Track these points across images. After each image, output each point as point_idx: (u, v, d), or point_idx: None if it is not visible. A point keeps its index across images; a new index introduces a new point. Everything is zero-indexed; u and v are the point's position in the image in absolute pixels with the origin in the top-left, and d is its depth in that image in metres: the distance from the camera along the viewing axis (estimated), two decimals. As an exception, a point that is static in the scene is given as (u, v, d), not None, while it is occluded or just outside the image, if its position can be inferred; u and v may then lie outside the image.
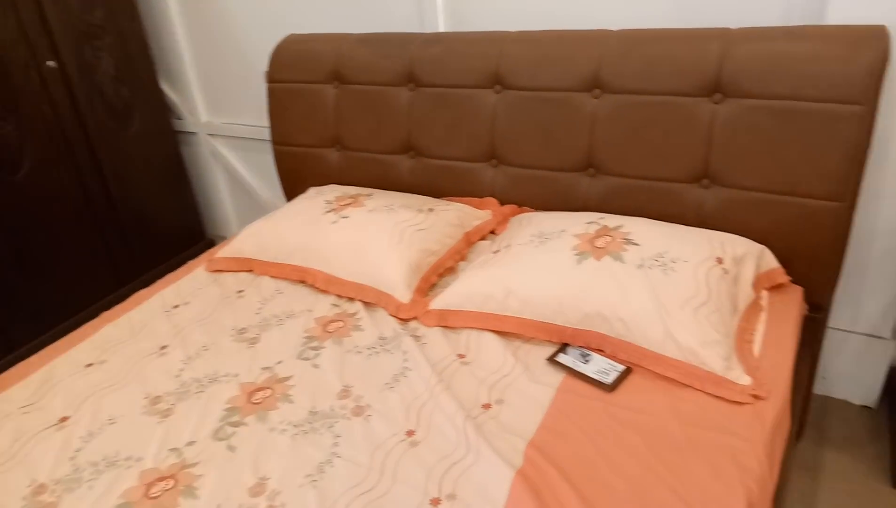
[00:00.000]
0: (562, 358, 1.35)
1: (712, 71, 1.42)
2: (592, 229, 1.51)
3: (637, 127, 1.55)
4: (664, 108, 1.50)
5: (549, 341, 1.41)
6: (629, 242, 1.44)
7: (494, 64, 1.72)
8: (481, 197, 1.89)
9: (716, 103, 1.45)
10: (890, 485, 1.63)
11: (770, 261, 1.48)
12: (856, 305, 1.75)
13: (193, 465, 1.21)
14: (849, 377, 1.85)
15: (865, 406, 1.88)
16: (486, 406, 1.26)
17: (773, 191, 1.43)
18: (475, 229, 1.81)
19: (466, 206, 1.86)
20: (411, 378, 1.35)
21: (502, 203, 1.86)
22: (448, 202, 1.86)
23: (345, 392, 1.34)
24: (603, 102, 1.58)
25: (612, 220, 1.54)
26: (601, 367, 1.31)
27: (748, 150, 1.43)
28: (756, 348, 1.32)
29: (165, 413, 1.35)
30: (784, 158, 1.39)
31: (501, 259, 1.52)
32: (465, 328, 1.48)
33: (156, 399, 1.39)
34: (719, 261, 1.39)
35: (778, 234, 1.46)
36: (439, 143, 1.88)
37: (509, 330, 1.44)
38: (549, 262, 1.44)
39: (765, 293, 1.47)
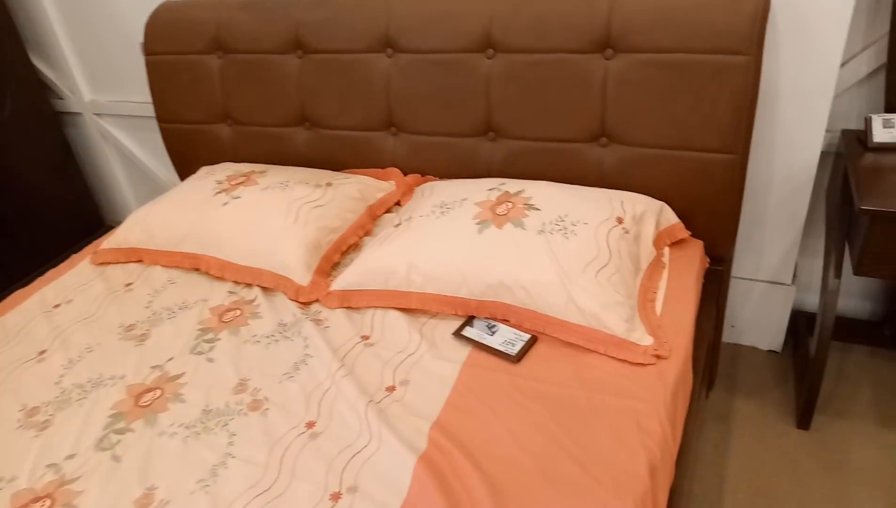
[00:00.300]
0: (468, 332, 1.32)
1: (602, 26, 1.39)
2: (494, 195, 1.47)
3: (533, 87, 1.51)
4: (558, 66, 1.46)
5: (455, 314, 1.37)
6: (530, 207, 1.41)
7: (384, 26, 1.63)
8: (384, 168, 1.82)
9: (608, 59, 1.42)
10: (795, 426, 1.71)
11: (670, 217, 1.49)
12: (757, 254, 1.79)
13: (73, 480, 1.11)
14: (755, 324, 1.92)
15: (772, 351, 1.95)
16: (391, 389, 1.22)
17: (668, 146, 1.43)
18: (379, 201, 1.75)
19: (368, 178, 1.79)
20: (312, 366, 1.29)
21: (405, 173, 1.80)
22: (349, 175, 1.79)
23: (241, 386, 1.27)
24: (497, 62, 1.53)
25: (513, 185, 1.50)
26: (507, 338, 1.29)
27: (642, 106, 1.41)
28: (658, 306, 1.33)
29: (43, 426, 1.24)
30: (676, 113, 1.39)
31: (402, 233, 1.46)
32: (370, 307, 1.43)
33: (32, 411, 1.28)
34: (619, 221, 1.39)
35: (676, 189, 1.47)
36: (334, 112, 1.79)
37: (414, 307, 1.39)
38: (451, 233, 1.40)
39: (666, 250, 1.48)
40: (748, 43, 1.27)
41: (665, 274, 1.42)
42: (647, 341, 1.21)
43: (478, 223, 1.39)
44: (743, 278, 1.86)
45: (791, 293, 1.83)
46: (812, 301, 1.95)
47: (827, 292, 1.55)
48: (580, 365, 1.21)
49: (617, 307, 1.23)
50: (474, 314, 1.35)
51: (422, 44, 1.60)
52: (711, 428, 1.74)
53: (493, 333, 1.31)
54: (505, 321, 1.33)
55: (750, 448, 1.67)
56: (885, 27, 1.51)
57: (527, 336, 1.29)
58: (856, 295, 1.91)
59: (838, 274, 1.55)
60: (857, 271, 1.41)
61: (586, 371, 1.20)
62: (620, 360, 1.20)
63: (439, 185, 1.63)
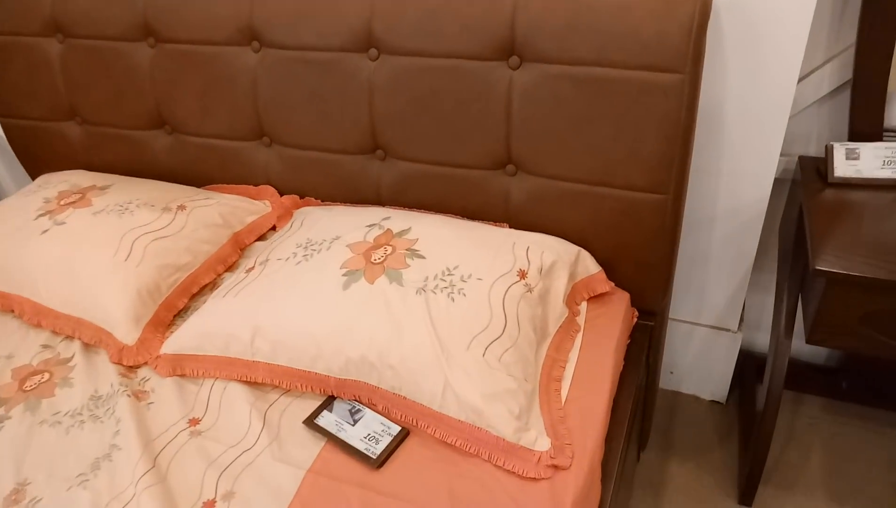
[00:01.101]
0: (323, 419, 1.05)
1: (505, 27, 1.11)
2: (372, 234, 1.20)
3: (425, 99, 1.22)
4: (454, 74, 1.18)
5: (312, 391, 1.10)
6: (413, 253, 1.14)
7: (247, 13, 1.32)
8: (256, 185, 1.52)
9: (513, 69, 1.14)
10: (736, 500, 1.50)
11: (589, 266, 1.23)
12: (699, 295, 1.56)
13: None
14: (697, 371, 1.70)
15: (715, 402, 1.74)
16: (209, 505, 0.95)
17: (586, 180, 1.17)
18: (248, 227, 1.45)
19: (237, 197, 1.49)
20: (117, 464, 1.01)
21: (283, 192, 1.51)
22: (211, 194, 1.48)
23: (16, 493, 0.99)
24: (382, 66, 1.24)
25: (398, 221, 1.23)
26: (372, 430, 1.03)
27: (554, 129, 1.14)
28: (566, 386, 1.08)
29: None
30: (595, 141, 1.12)
31: (251, 284, 1.18)
32: (208, 377, 1.15)
33: None
34: (522, 275, 1.13)
35: (597, 231, 1.21)
36: (195, 115, 1.48)
37: (261, 380, 1.12)
38: (310, 287, 1.12)
39: (584, 306, 1.23)
40: (682, 58, 1.00)
41: (579, 339, 1.17)
42: (542, 444, 0.96)
43: (345, 275, 1.11)
44: (683, 321, 1.63)
45: (737, 341, 1.61)
46: (762, 342, 1.74)
47: (776, 355, 1.33)
48: (455, 476, 0.95)
49: (507, 398, 0.98)
50: (335, 395, 1.09)
51: (292, 38, 1.30)
52: (640, 496, 1.52)
53: (356, 421, 1.04)
54: (372, 406, 1.07)
55: (684, 526, 1.45)
56: (851, 37, 1.27)
57: (396, 429, 1.02)
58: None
59: (789, 333, 1.32)
60: (810, 339, 1.19)
61: (461, 487, 0.94)
62: (507, 471, 0.95)
63: (315, 213, 1.34)
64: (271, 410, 1.09)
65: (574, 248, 1.22)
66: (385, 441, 1.01)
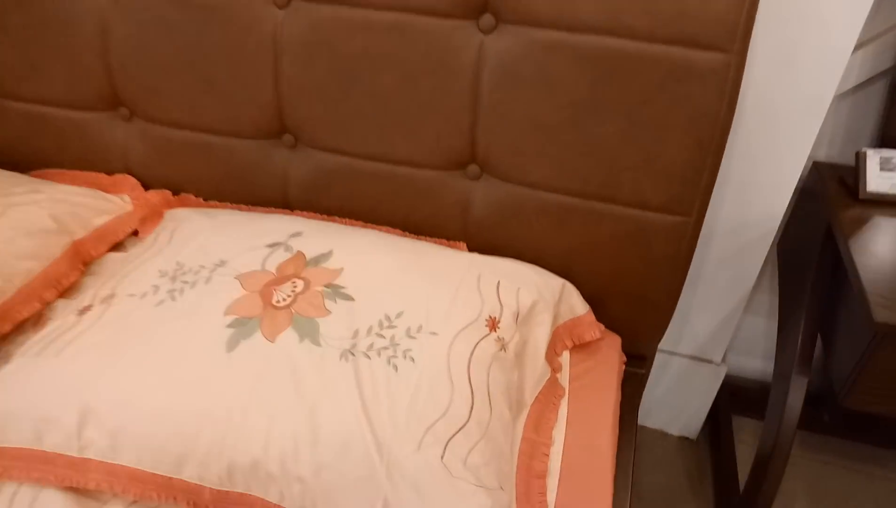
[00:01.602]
0: None
1: (478, -33, 0.77)
2: (275, 261, 0.84)
3: (356, 67, 0.86)
4: (400, 34, 0.82)
5: (176, 504, 0.74)
6: (337, 291, 0.79)
7: (87, -78, 0.91)
8: (111, 173, 1.11)
9: (485, 32, 0.80)
10: (714, 566, 1.28)
11: (574, 305, 0.93)
12: (682, 321, 1.31)
13: None
14: (668, 405, 1.45)
15: (685, 437, 1.51)
16: None
17: (579, 193, 0.86)
18: (96, 233, 1.04)
19: (81, 190, 1.07)
20: None
21: (147, 185, 1.10)
22: (42, 184, 1.05)
23: None
24: (294, 15, 0.86)
25: (315, 238, 0.87)
26: None
27: (539, 120, 0.82)
28: (552, 484, 0.78)
29: None
30: (597, 139, 0.81)
31: (84, 335, 0.78)
32: (9, 479, 0.76)
33: None
34: (492, 324, 0.81)
35: (586, 259, 0.91)
36: (15, 70, 1.04)
37: (93, 486, 0.74)
38: (175, 346, 0.74)
39: (566, 356, 0.93)
40: (730, 31, 0.70)
41: (564, 408, 0.86)
42: (530, 595, 0.66)
43: (231, 326, 0.75)
44: (658, 350, 1.38)
45: (720, 374, 1.37)
46: (744, 368, 1.51)
47: (786, 401, 1.09)
48: None
49: (478, 523, 0.66)
50: (213, 509, 0.73)
51: (157, -36, 0.90)
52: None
53: None
54: (271, 526, 0.72)
55: None
56: (892, 19, 1.02)
57: None
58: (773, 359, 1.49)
59: (805, 371, 1.08)
60: (847, 400, 0.95)
61: None
62: None
63: (192, 221, 0.96)
64: (112, 535, 0.72)
65: (557, 281, 0.91)
66: None
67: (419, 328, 0.77)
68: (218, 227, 0.92)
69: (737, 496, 1.30)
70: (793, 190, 1.08)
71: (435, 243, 0.95)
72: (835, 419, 1.50)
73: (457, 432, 0.70)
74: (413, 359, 0.74)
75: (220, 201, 1.05)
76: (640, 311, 0.95)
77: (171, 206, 1.07)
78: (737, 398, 1.49)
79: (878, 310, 0.84)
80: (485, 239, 0.94)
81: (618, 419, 0.88)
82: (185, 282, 0.81)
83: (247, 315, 0.76)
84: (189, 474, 0.70)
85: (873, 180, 1.04)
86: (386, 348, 0.74)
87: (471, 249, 0.95)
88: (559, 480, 0.78)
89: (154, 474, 0.71)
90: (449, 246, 0.94)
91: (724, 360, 1.35)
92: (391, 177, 0.94)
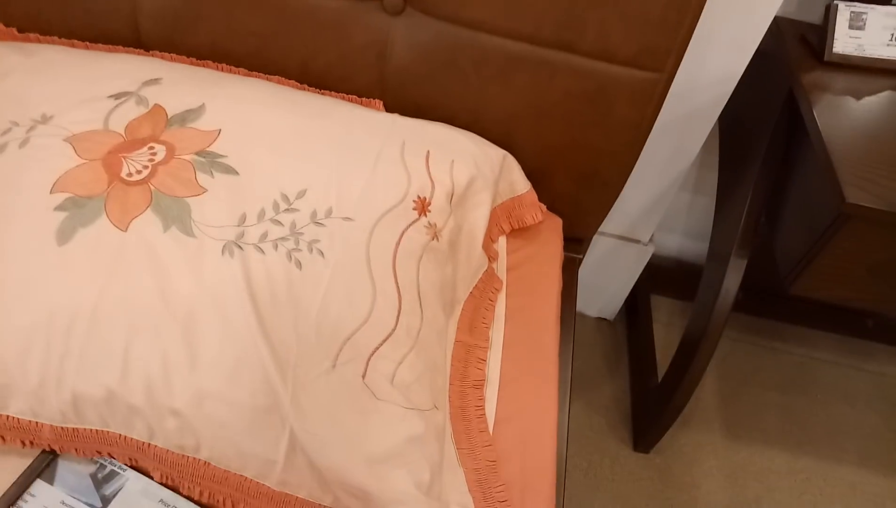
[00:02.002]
0: (34, 504, 0.53)
1: None
2: (123, 117, 0.62)
3: None
4: None
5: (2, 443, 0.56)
6: (214, 161, 0.60)
7: None
8: None
9: None
10: (630, 445, 1.27)
11: (515, 181, 0.77)
12: (612, 197, 1.20)
13: None
14: (589, 287, 1.39)
15: (602, 318, 1.47)
16: None
17: (529, 37, 0.67)
18: None
19: None
20: None
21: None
22: None
23: None
24: None
25: (177, 90, 0.65)
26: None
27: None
28: (491, 395, 0.67)
29: None
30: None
31: None
32: None
33: None
34: (421, 207, 0.65)
35: (530, 124, 0.75)
36: None
37: None
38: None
39: (502, 242, 0.80)
40: None
41: (502, 303, 0.74)
42: (469, 530, 0.55)
43: (61, 208, 0.54)
44: (583, 228, 1.28)
45: (646, 254, 1.30)
46: (658, 245, 1.46)
47: (724, 281, 1.03)
48: None
49: (411, 455, 0.53)
50: (57, 450, 0.56)
51: None
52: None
53: (109, 499, 0.54)
54: (141, 468, 0.56)
55: (581, 481, 1.20)
56: None
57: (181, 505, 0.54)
58: (697, 236, 1.45)
59: (744, 253, 1.02)
60: (795, 287, 0.89)
61: None
62: (411, 589, 0.54)
63: (6, 57, 0.70)
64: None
65: (498, 153, 0.74)
66: None
67: (328, 212, 0.60)
68: (39, 68, 0.67)
69: (653, 376, 1.28)
70: (756, 48, 0.95)
71: (342, 99, 0.75)
72: (747, 297, 1.51)
73: (381, 343, 0.56)
74: (322, 253, 0.57)
75: (43, 33, 0.78)
76: (587, 189, 0.82)
77: (-30, 38, 0.78)
78: (654, 276, 1.46)
79: (850, 189, 0.75)
80: (407, 97, 0.75)
81: (559, 313, 0.77)
82: (-9, 145, 0.58)
83: (85, 193, 0.55)
84: (18, 409, 0.52)
85: (840, 40, 0.94)
86: (285, 238, 0.57)
87: (388, 109, 0.76)
88: (499, 388, 0.66)
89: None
90: (361, 104, 0.75)
91: (651, 240, 1.28)
92: (283, 6, 0.71)
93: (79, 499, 0.53)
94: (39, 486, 0.54)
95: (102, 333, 0.51)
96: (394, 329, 0.57)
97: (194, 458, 0.53)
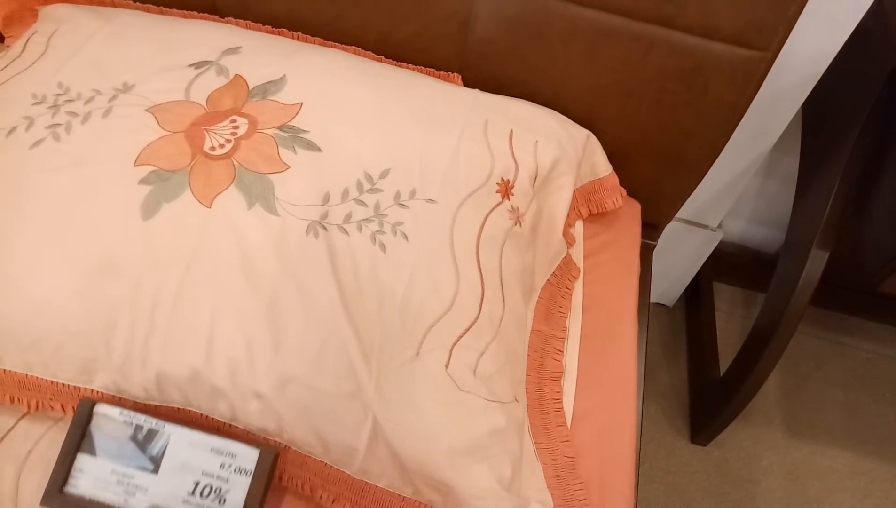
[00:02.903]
0: (84, 479, 0.53)
1: None
2: (204, 87, 0.61)
3: None
4: None
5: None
6: (297, 136, 0.58)
7: None
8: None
9: None
10: (687, 437, 1.25)
11: (597, 164, 0.75)
12: (683, 180, 1.16)
13: None
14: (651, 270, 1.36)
15: (661, 304, 1.44)
16: None
17: (625, 10, 0.64)
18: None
19: None
20: None
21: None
22: None
23: None
24: None
25: (257, 60, 0.64)
26: (198, 468, 0.53)
27: None
28: (569, 387, 0.65)
29: None
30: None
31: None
32: None
33: None
34: (505, 190, 0.63)
35: (616, 103, 0.72)
36: None
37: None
38: (67, 208, 0.53)
39: (579, 227, 0.78)
40: None
41: (579, 292, 0.72)
42: (549, 528, 0.54)
43: (145, 182, 0.54)
44: (649, 211, 1.24)
45: (713, 241, 1.27)
46: (731, 232, 1.42)
47: (805, 270, 0.98)
48: None
49: (492, 450, 0.52)
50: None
51: None
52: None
53: (158, 459, 0.54)
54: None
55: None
56: None
57: (251, 455, 0.53)
58: (764, 222, 1.40)
59: (829, 241, 0.97)
60: (885, 283, 0.85)
61: None
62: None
63: (80, 23, 0.68)
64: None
65: (581, 133, 0.72)
66: (237, 495, 0.53)
67: (412, 194, 0.58)
68: (117, 33, 0.66)
69: (715, 367, 1.26)
70: (855, 25, 0.90)
71: (420, 72, 0.73)
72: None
73: (464, 332, 0.55)
74: (406, 236, 0.56)
75: (117, -3, 0.77)
76: (669, 174, 0.79)
77: (47, 1, 0.78)
78: (717, 263, 1.41)
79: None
80: (487, 71, 0.73)
81: (638, 303, 0.75)
82: (73, 114, 0.58)
83: (169, 167, 0.55)
84: (102, 383, 0.53)
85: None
86: (369, 219, 0.56)
87: (466, 83, 0.74)
88: (577, 381, 0.65)
89: (54, 382, 0.53)
90: (440, 79, 0.73)
91: (720, 226, 1.24)
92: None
93: (129, 465, 0.52)
94: (83, 460, 0.53)
95: (187, 312, 0.50)
96: (477, 318, 0.56)
97: (275, 440, 0.53)
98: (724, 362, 1.19)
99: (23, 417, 0.55)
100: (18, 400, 0.54)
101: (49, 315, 0.50)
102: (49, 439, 0.54)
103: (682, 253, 1.30)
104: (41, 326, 0.50)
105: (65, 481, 0.52)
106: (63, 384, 0.53)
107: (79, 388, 0.53)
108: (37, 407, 0.54)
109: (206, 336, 0.50)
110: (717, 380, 1.20)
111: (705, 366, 1.27)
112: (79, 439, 0.52)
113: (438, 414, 0.51)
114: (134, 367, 0.50)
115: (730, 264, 1.42)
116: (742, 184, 1.15)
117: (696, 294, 1.41)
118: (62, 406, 0.54)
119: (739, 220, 1.40)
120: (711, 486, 1.18)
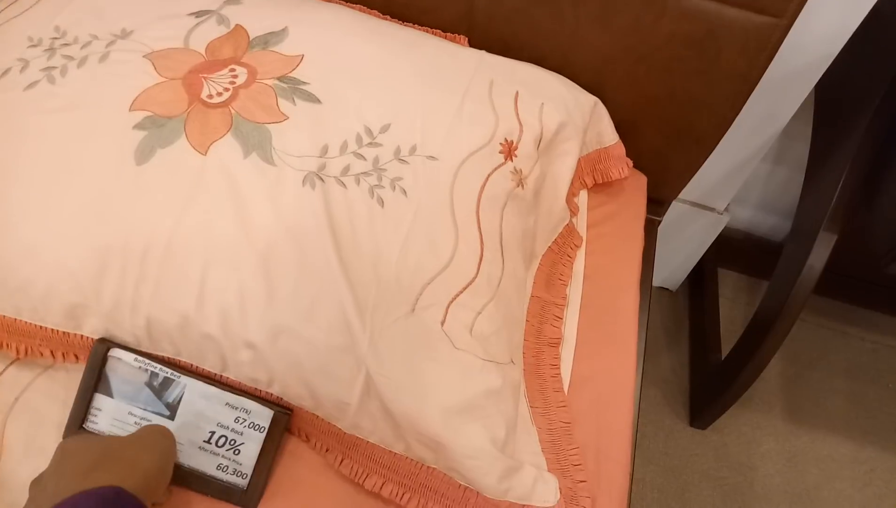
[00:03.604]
0: (101, 418, 0.53)
1: None
2: (203, 36, 0.59)
3: None
4: None
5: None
6: (297, 87, 0.57)
7: None
8: None
9: None
10: (686, 420, 1.24)
11: (604, 132, 0.73)
12: (690, 161, 1.14)
13: None
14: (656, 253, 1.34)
15: (664, 288, 1.42)
16: None
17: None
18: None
19: None
20: None
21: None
22: None
23: None
24: None
25: (259, 11, 0.62)
26: (213, 419, 0.52)
27: None
28: (567, 355, 0.64)
29: None
30: None
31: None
32: None
33: None
34: (508, 151, 0.61)
35: (627, 70, 0.70)
36: None
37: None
38: (59, 151, 0.51)
39: (583, 197, 0.76)
40: None
41: (581, 261, 0.71)
42: (544, 493, 0.53)
43: (140, 127, 0.53)
44: (655, 192, 1.22)
45: (720, 224, 1.25)
46: (736, 217, 1.39)
47: (812, 253, 0.96)
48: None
49: (486, 410, 0.51)
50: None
51: None
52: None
53: (174, 405, 0.53)
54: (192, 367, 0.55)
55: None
56: None
57: (264, 413, 0.53)
58: (772, 210, 1.38)
59: (837, 225, 0.95)
60: (893, 267, 0.83)
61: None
62: (481, 548, 0.52)
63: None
64: None
65: (589, 99, 0.70)
66: (251, 448, 0.52)
67: (412, 150, 0.57)
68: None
69: (717, 352, 1.24)
70: (872, 4, 0.88)
71: (426, 32, 0.72)
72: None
73: (461, 291, 0.54)
74: (405, 191, 0.55)
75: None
76: (677, 146, 0.78)
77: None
78: (721, 249, 1.39)
79: None
80: (494, 33, 0.71)
81: (640, 276, 0.74)
82: (69, 58, 0.56)
83: (165, 113, 0.54)
84: (92, 328, 0.52)
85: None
86: (368, 173, 0.55)
87: (473, 45, 0.72)
88: (575, 349, 0.64)
89: (42, 327, 0.52)
90: (446, 39, 0.71)
91: (726, 209, 1.22)
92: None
93: (145, 409, 0.52)
94: (101, 400, 0.53)
95: (179, 261, 0.49)
96: (475, 277, 0.55)
97: (266, 391, 0.52)
98: (726, 347, 1.18)
99: (10, 364, 0.55)
100: (7, 345, 0.53)
101: (39, 258, 0.49)
102: (35, 387, 0.53)
103: (688, 236, 1.28)
104: (31, 269, 0.49)
105: (84, 418, 0.52)
106: (51, 330, 0.52)
107: (68, 334, 0.52)
108: (25, 353, 0.53)
109: (198, 284, 0.49)
110: (718, 365, 1.19)
111: (707, 351, 1.25)
112: (95, 379, 0.52)
113: (433, 371, 0.50)
114: (124, 313, 0.49)
115: (735, 250, 1.40)
116: (751, 167, 1.13)
117: (701, 279, 1.39)
118: (51, 352, 0.53)
119: (747, 206, 1.37)
120: (709, 470, 1.17)
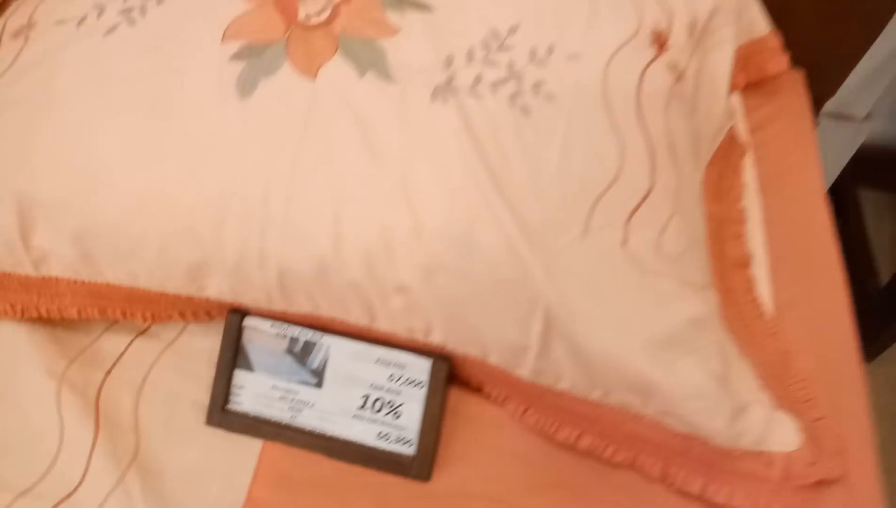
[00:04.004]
0: (245, 395, 0.46)
1: None
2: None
3: None
4: None
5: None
6: (408, -4, 0.49)
7: None
8: None
9: None
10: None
11: (755, 20, 0.61)
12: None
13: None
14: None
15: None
16: None
17: None
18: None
19: None
20: None
21: None
22: None
23: None
24: None
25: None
26: (367, 382, 0.44)
27: None
28: (761, 273, 0.53)
29: None
30: None
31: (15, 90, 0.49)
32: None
33: None
34: (659, 42, 0.51)
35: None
36: None
37: (80, 314, 0.48)
38: (154, 93, 0.44)
39: (736, 98, 0.64)
40: None
41: (749, 170, 0.59)
42: (785, 437, 0.42)
43: (237, 57, 0.45)
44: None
45: (860, 134, 1.09)
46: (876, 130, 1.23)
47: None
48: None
49: (695, 340, 0.41)
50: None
51: None
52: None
53: (321, 373, 0.46)
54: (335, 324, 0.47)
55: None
56: None
57: (423, 366, 0.44)
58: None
59: None
60: None
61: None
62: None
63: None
64: (105, 386, 0.48)
65: (740, -16, 0.59)
66: (413, 409, 0.44)
67: (549, 49, 0.47)
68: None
69: (874, 277, 1.09)
70: None
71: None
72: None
73: (639, 205, 0.44)
74: (550, 96, 0.45)
75: None
76: (839, 30, 0.65)
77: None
78: (862, 165, 1.23)
79: None
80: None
81: (823, 183, 0.62)
82: (142, -5, 0.50)
83: (262, 40, 0.46)
84: (218, 290, 0.45)
85: None
86: (503, 81, 0.45)
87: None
88: (769, 271, 0.53)
89: (162, 293, 0.46)
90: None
91: (868, 116, 1.07)
92: None
93: (290, 380, 0.46)
94: (241, 376, 0.46)
95: (306, 196, 0.41)
96: (650, 189, 0.45)
97: (424, 342, 0.43)
98: (885, 271, 1.04)
99: (134, 339, 0.49)
100: (130, 313, 0.47)
101: (148, 213, 0.42)
102: (163, 364, 0.47)
103: (824, 150, 1.13)
104: (140, 227, 0.43)
105: (226, 399, 0.46)
106: (174, 296, 0.45)
107: (192, 298, 0.45)
108: (153, 318, 0.47)
109: (332, 221, 0.41)
110: (879, 291, 1.05)
111: (862, 277, 1.10)
112: (233, 354, 0.46)
113: (624, 300, 0.41)
114: (251, 266, 0.42)
115: (871, 166, 1.24)
116: (892, 71, 0.98)
117: (839, 201, 1.23)
118: (180, 314, 0.47)
119: (879, 117, 1.21)
120: (885, 405, 1.02)
